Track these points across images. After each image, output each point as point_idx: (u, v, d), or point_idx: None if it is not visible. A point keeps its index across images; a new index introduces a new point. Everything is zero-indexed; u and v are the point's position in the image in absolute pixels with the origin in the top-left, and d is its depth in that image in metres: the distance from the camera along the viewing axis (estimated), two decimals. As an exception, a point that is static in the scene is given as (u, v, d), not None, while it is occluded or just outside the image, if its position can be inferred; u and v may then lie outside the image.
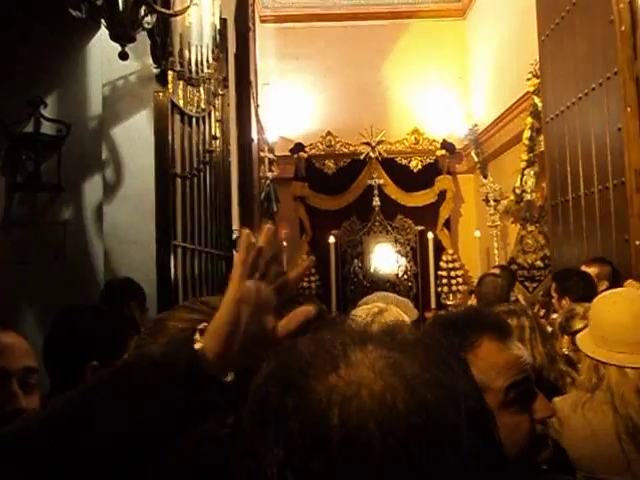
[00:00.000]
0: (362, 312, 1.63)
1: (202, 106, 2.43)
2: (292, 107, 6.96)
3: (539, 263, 5.08)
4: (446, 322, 1.04)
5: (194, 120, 2.30)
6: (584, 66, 3.89)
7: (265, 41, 6.98)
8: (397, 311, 1.63)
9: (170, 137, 1.97)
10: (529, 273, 5.12)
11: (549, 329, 1.92)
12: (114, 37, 2.22)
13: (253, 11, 4.21)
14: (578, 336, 1.47)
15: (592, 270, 3.36)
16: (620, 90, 3.51)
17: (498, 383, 0.92)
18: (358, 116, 6.78)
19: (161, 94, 1.97)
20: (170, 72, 2.16)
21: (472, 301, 2.88)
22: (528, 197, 5.22)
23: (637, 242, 3.46)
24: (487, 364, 0.93)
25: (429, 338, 0.50)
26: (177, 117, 2.12)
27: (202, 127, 2.40)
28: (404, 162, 6.94)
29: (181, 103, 2.20)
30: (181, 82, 2.26)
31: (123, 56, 2.25)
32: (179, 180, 2.11)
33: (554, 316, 2.77)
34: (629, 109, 3.47)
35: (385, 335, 0.47)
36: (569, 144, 4.10)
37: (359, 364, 0.43)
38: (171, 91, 2.10)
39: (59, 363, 1.36)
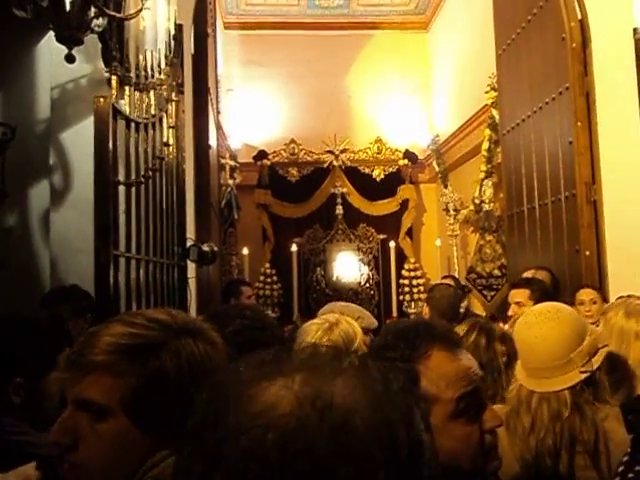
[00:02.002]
0: (314, 327, 1.61)
1: (152, 112, 2.38)
2: (256, 114, 6.93)
3: (497, 272, 5.17)
4: (397, 333, 1.03)
5: (142, 126, 2.25)
6: (538, 81, 4.00)
7: (229, 47, 6.94)
8: (348, 323, 1.62)
9: (111, 144, 1.91)
10: (487, 282, 5.21)
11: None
12: (60, 39, 2.15)
13: (213, 17, 4.17)
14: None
15: (542, 276, 3.46)
16: (571, 105, 3.62)
17: (448, 394, 0.92)
18: (322, 125, 6.80)
19: (102, 99, 1.92)
20: (114, 77, 2.11)
21: (425, 310, 2.89)
22: (486, 207, 5.32)
23: (587, 252, 3.55)
24: (437, 375, 0.93)
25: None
26: (121, 123, 2.06)
27: (152, 133, 2.35)
28: (367, 171, 6.99)
29: (126, 109, 2.15)
30: (127, 87, 2.21)
31: (70, 59, 2.19)
32: (123, 188, 2.06)
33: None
34: (579, 124, 3.58)
35: (302, 362, 0.48)
36: (524, 156, 4.20)
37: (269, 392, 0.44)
38: (115, 96, 2.04)
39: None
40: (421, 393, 0.86)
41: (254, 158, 6.77)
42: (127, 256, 2.05)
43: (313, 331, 1.62)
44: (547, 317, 1.36)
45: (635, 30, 3.16)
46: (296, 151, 6.92)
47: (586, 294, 3.06)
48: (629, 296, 2.28)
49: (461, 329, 1.71)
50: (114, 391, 0.78)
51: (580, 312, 2.59)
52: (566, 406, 1.26)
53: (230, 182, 5.82)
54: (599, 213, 3.52)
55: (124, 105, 2.15)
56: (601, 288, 3.40)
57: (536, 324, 1.34)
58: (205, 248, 2.84)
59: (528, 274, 3.58)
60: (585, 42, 3.62)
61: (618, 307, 2.19)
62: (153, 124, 2.37)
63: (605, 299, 3.24)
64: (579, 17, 3.65)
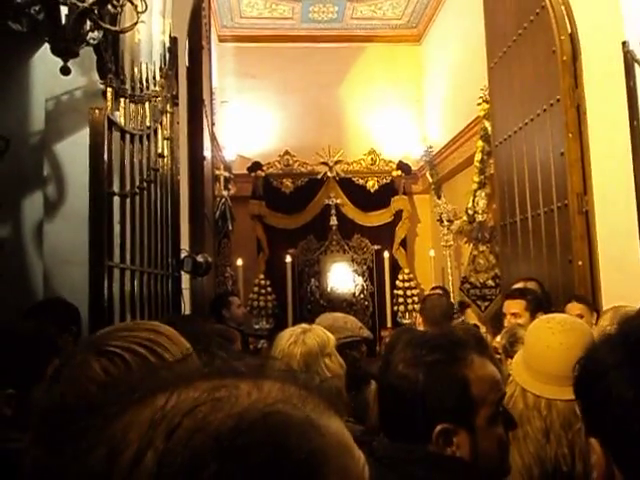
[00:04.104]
0: (288, 332, 1.65)
1: (147, 124, 2.39)
2: (251, 126, 6.96)
3: (490, 282, 5.19)
4: (432, 344, 1.03)
5: (137, 138, 2.26)
6: (529, 93, 4.05)
7: (224, 60, 6.99)
8: (322, 331, 1.65)
9: (106, 155, 1.92)
10: (481, 292, 5.23)
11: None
12: (55, 52, 2.17)
13: (208, 30, 4.21)
14: (514, 360, 1.47)
15: (531, 287, 3.47)
16: (562, 117, 3.66)
17: (492, 396, 0.96)
18: (316, 136, 6.84)
19: (97, 111, 1.93)
20: (109, 89, 2.12)
21: (419, 320, 2.90)
22: (480, 218, 5.35)
23: (580, 263, 3.57)
24: (481, 378, 0.97)
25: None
26: (116, 135, 2.07)
27: (147, 145, 2.36)
28: (361, 182, 7.02)
29: (122, 120, 2.16)
30: (122, 99, 2.22)
31: (65, 71, 2.20)
32: (117, 199, 2.06)
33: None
34: (570, 135, 3.62)
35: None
36: (516, 167, 4.24)
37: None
38: (110, 108, 2.06)
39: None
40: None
41: (248, 169, 6.79)
42: (122, 267, 2.05)
43: (287, 336, 1.66)
44: (572, 327, 1.38)
45: (624, 43, 3.20)
46: (290, 162, 6.94)
47: (573, 308, 3.04)
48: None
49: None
50: None
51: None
52: (576, 417, 1.26)
53: (224, 193, 5.83)
54: (591, 224, 3.55)
55: (119, 117, 2.16)
56: (594, 299, 3.42)
57: (562, 332, 1.35)
58: (199, 259, 2.83)
59: (518, 285, 3.58)
60: (575, 55, 3.68)
61: (613, 315, 2.20)
62: (148, 135, 2.38)
63: (597, 310, 3.24)
64: (569, 31, 3.71)
